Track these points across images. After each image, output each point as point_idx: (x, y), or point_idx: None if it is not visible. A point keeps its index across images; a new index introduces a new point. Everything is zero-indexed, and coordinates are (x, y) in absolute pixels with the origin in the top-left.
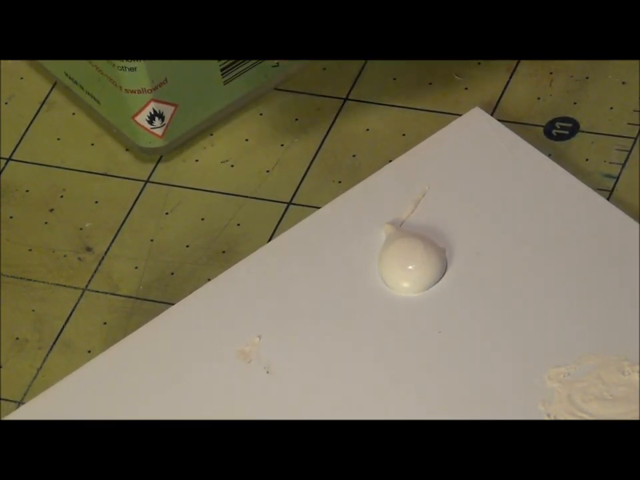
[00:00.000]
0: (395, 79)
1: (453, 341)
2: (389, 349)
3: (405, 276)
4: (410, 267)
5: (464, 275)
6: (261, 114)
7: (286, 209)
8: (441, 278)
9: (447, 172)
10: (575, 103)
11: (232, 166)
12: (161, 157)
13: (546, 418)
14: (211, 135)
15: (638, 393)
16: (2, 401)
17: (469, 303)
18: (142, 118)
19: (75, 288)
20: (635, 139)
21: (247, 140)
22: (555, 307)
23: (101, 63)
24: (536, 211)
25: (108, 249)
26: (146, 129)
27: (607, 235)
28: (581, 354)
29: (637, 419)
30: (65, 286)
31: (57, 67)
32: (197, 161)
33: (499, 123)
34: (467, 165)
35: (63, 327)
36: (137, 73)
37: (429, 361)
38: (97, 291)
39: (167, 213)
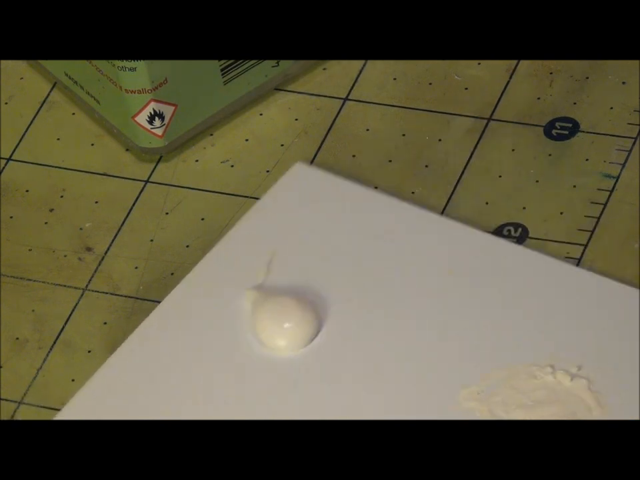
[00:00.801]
0: (395, 78)
1: (353, 392)
2: (283, 410)
3: (282, 334)
4: (286, 325)
5: (342, 324)
6: (260, 114)
7: None
8: (319, 331)
9: (288, 230)
10: (574, 103)
11: (232, 166)
12: (160, 157)
13: None
14: (211, 135)
15: (555, 392)
16: (2, 401)
17: (356, 350)
18: (142, 118)
19: (75, 288)
20: (635, 138)
21: (247, 140)
22: (444, 334)
23: (101, 63)
24: (383, 243)
25: (108, 249)
26: (146, 129)
27: (461, 253)
28: (488, 370)
29: (567, 418)
30: (65, 286)
31: (57, 66)
32: (197, 161)
33: (325, 172)
34: (307, 219)
35: (63, 327)
36: (136, 73)
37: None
38: (97, 291)
39: (167, 213)
